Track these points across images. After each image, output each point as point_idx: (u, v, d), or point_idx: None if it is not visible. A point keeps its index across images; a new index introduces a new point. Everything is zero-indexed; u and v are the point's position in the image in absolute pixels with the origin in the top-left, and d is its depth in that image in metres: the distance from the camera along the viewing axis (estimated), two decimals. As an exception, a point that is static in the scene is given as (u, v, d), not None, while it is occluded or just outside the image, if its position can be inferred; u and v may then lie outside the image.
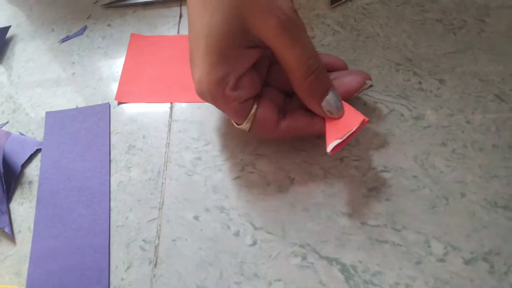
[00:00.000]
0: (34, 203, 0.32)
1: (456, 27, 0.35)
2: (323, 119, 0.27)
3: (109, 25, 0.43)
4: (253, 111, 0.27)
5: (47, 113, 0.37)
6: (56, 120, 0.37)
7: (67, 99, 0.38)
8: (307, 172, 0.30)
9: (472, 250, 0.25)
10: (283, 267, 0.27)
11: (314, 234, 0.28)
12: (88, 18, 0.44)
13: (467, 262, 0.25)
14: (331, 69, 0.30)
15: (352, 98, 0.30)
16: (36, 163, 0.35)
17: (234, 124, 0.29)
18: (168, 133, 0.34)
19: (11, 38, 0.44)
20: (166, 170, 0.32)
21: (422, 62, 0.33)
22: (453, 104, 0.31)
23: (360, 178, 0.29)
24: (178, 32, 0.40)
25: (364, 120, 0.26)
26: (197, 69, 0.26)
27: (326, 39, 0.36)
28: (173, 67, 0.38)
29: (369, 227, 0.27)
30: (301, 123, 0.28)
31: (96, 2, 0.45)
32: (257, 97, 0.27)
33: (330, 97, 0.26)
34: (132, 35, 0.41)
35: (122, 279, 0.28)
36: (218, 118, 0.34)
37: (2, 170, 0.34)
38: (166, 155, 0.33)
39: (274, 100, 0.28)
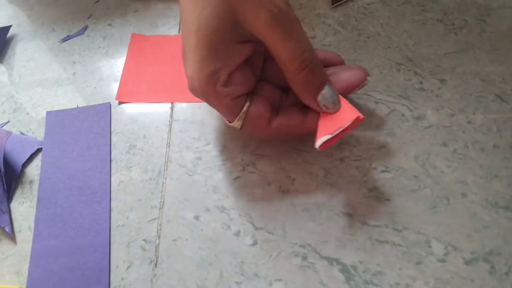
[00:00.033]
0: (34, 203, 0.32)
1: (457, 27, 0.35)
2: (317, 118, 0.27)
3: (110, 24, 0.43)
4: (245, 108, 0.26)
5: (48, 112, 0.37)
6: (56, 119, 0.37)
7: (67, 99, 0.38)
8: (308, 172, 0.30)
9: (473, 250, 0.25)
10: (283, 267, 0.27)
11: (315, 234, 0.28)
12: (89, 17, 0.44)
13: (467, 263, 0.25)
14: (327, 64, 0.29)
15: (353, 100, 0.30)
16: (36, 162, 0.35)
17: (226, 122, 0.28)
18: (169, 133, 0.34)
19: (12, 38, 0.44)
20: (166, 170, 0.32)
21: (423, 62, 0.33)
22: (454, 104, 0.31)
23: (361, 178, 0.29)
24: (179, 32, 0.40)
25: (358, 117, 0.25)
26: (189, 65, 0.25)
27: (327, 39, 0.36)
28: (174, 66, 0.38)
29: (369, 227, 0.27)
30: (294, 121, 0.27)
31: (97, 1, 0.45)
32: (250, 94, 0.27)
33: (326, 91, 0.25)
34: (133, 35, 0.41)
35: (122, 279, 0.28)
36: (219, 118, 0.34)
37: (2, 170, 0.34)
38: (166, 155, 0.33)
39: (268, 97, 0.27)
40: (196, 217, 0.29)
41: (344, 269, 0.26)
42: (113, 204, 0.31)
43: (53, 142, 0.35)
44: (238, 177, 0.31)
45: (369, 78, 0.28)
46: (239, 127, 0.27)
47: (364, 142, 0.30)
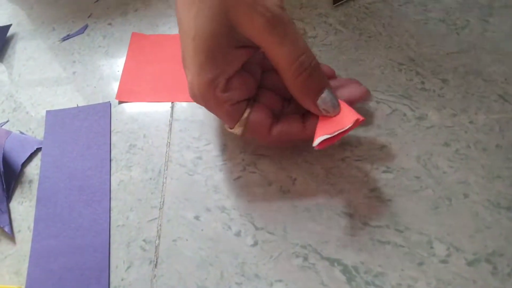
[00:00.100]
0: (34, 202, 0.32)
1: (459, 27, 0.35)
2: (316, 124, 0.26)
3: (110, 24, 0.43)
4: (245, 114, 0.26)
5: (48, 112, 0.37)
6: (56, 119, 0.36)
7: (67, 98, 0.38)
8: (309, 173, 0.30)
9: (475, 251, 0.25)
10: (284, 267, 0.27)
11: (316, 234, 0.27)
12: (89, 17, 0.44)
13: (470, 263, 0.25)
14: None
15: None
16: (36, 162, 0.35)
17: (227, 128, 0.28)
18: (169, 133, 0.34)
19: (11, 37, 0.44)
20: (166, 170, 0.32)
21: (425, 61, 0.33)
22: (456, 104, 0.31)
23: (362, 178, 0.29)
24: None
25: (358, 119, 0.25)
26: (188, 71, 0.25)
27: (328, 39, 0.36)
28: (174, 66, 0.38)
29: (371, 227, 0.27)
30: (294, 127, 0.27)
31: (97, 1, 0.45)
32: (250, 101, 0.27)
33: (325, 94, 0.25)
34: (133, 34, 0.41)
35: (122, 279, 0.28)
36: (220, 119, 0.34)
37: (2, 169, 0.33)
38: (167, 154, 0.33)
39: (269, 105, 0.27)
40: (197, 217, 0.29)
41: (345, 270, 0.26)
42: (113, 203, 0.31)
43: (52, 142, 0.35)
44: (239, 177, 0.30)
45: (369, 78, 0.28)
46: (239, 133, 0.27)
47: (365, 142, 0.30)
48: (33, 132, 0.36)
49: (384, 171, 0.29)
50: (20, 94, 0.39)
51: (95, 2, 0.45)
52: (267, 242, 0.28)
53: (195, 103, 0.35)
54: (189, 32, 0.24)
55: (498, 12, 0.35)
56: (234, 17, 0.23)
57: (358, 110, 0.26)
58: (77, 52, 0.41)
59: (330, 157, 0.30)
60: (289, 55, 0.24)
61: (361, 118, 0.25)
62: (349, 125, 0.24)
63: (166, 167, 0.32)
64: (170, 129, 0.34)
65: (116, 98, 0.36)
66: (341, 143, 0.30)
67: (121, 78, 0.38)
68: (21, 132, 0.37)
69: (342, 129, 0.25)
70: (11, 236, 0.31)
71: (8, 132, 0.36)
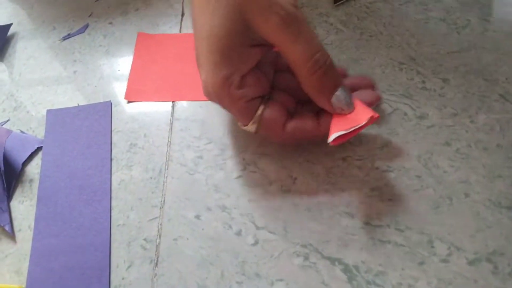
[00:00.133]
0: (34, 201, 0.32)
1: (459, 26, 0.35)
2: (331, 121, 0.27)
3: (110, 23, 0.43)
4: (259, 111, 0.26)
5: (48, 111, 0.37)
6: (57, 118, 0.36)
7: (68, 97, 0.38)
8: (310, 172, 0.30)
9: (476, 250, 0.25)
10: (285, 267, 0.27)
11: (317, 234, 0.27)
12: (89, 16, 0.44)
13: (470, 263, 0.25)
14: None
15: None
16: (37, 161, 0.34)
17: (241, 126, 0.28)
18: (170, 132, 0.34)
19: (12, 36, 0.44)
20: (167, 169, 0.32)
21: (426, 61, 0.33)
22: (456, 104, 0.31)
23: (363, 177, 0.29)
24: (180, 31, 0.40)
25: (373, 116, 0.25)
26: (203, 70, 0.26)
27: (329, 38, 0.36)
28: (181, 65, 0.38)
29: (372, 227, 0.27)
30: (308, 124, 0.27)
31: (97, 0, 0.45)
32: (265, 99, 0.27)
33: (340, 92, 0.25)
34: (139, 34, 0.40)
35: (122, 278, 0.28)
36: (220, 117, 0.34)
37: (2, 168, 0.33)
38: (167, 153, 0.33)
39: (283, 103, 0.28)
40: (197, 216, 0.29)
41: (346, 269, 0.26)
42: (113, 203, 0.31)
43: (53, 141, 0.35)
44: (239, 176, 0.30)
45: (370, 77, 0.28)
46: (253, 130, 0.27)
47: (366, 142, 0.30)
48: (33, 131, 0.36)
49: (385, 171, 0.29)
50: (20, 93, 0.39)
51: (95, 1, 0.45)
52: (268, 241, 0.28)
53: (196, 103, 0.35)
54: (204, 31, 0.25)
55: (498, 11, 0.35)
56: (249, 16, 0.24)
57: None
58: (78, 51, 0.41)
59: (331, 156, 0.30)
60: (304, 53, 0.24)
61: (376, 115, 0.25)
62: (364, 122, 0.25)
63: (166, 166, 0.32)
64: (171, 129, 0.34)
65: (125, 98, 0.36)
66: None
67: (129, 77, 0.38)
68: (21, 131, 0.37)
69: (357, 125, 0.25)
70: (11, 235, 0.31)
71: (9, 131, 0.36)
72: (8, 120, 0.38)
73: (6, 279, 0.29)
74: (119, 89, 0.37)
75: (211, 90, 0.26)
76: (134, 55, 0.39)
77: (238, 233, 0.28)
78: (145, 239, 0.29)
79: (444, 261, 0.25)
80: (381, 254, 0.26)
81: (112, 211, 0.31)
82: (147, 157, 0.33)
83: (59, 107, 0.37)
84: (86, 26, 0.43)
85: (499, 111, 0.30)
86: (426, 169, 0.28)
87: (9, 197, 0.33)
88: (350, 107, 0.26)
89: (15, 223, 0.32)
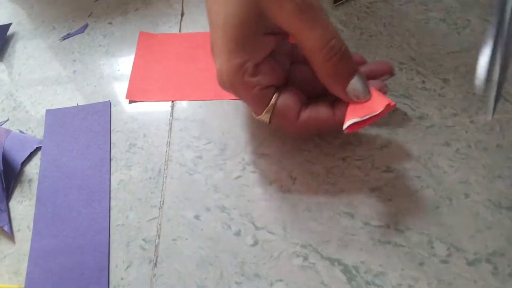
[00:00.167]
0: (33, 202, 0.32)
1: (460, 26, 0.35)
2: (345, 111, 0.26)
3: (110, 23, 0.42)
4: (273, 101, 0.26)
5: (47, 111, 0.37)
6: (56, 118, 0.36)
7: (67, 97, 0.38)
8: (310, 172, 0.30)
9: (476, 251, 0.25)
10: (284, 267, 0.27)
11: (316, 234, 0.27)
12: (89, 16, 0.44)
13: (470, 263, 0.25)
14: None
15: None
16: (36, 161, 0.34)
17: (255, 117, 0.28)
18: (169, 132, 0.34)
19: (12, 36, 0.44)
20: (166, 169, 0.32)
21: (426, 61, 0.33)
22: (456, 104, 0.31)
23: (363, 178, 0.29)
24: (179, 30, 0.40)
25: (389, 104, 0.24)
26: (217, 58, 0.26)
27: (328, 38, 0.36)
28: (183, 64, 0.38)
29: (371, 227, 0.27)
30: (322, 113, 0.27)
31: (97, 0, 0.45)
32: (279, 88, 0.27)
33: (355, 80, 0.25)
34: (141, 33, 0.40)
35: (121, 279, 0.28)
36: (220, 117, 0.34)
37: (1, 168, 0.33)
38: (167, 153, 0.33)
39: (297, 94, 0.27)
40: (196, 217, 0.29)
41: (346, 270, 0.26)
42: (112, 203, 0.31)
43: (52, 141, 0.35)
44: (239, 177, 0.30)
45: (390, 63, 0.28)
46: (267, 119, 0.27)
47: (366, 142, 0.30)
48: (32, 131, 0.36)
49: (384, 171, 0.29)
50: (20, 93, 0.39)
51: (95, 1, 0.45)
52: (267, 242, 0.28)
53: (195, 103, 0.35)
54: (218, 19, 0.25)
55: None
56: (264, 4, 0.24)
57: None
58: (77, 51, 0.41)
59: (330, 156, 0.30)
60: (319, 40, 0.24)
61: (392, 103, 0.24)
62: (381, 109, 0.24)
63: (166, 167, 0.32)
64: (170, 128, 0.34)
65: (126, 98, 0.36)
66: (341, 142, 0.30)
67: (130, 77, 0.38)
68: (21, 131, 0.36)
69: (373, 113, 0.24)
70: (10, 235, 0.31)
71: (8, 131, 0.36)
72: (7, 120, 0.38)
73: (5, 279, 0.29)
74: (119, 89, 0.37)
75: (225, 78, 0.26)
76: (136, 54, 0.39)
77: (238, 234, 0.28)
78: (144, 239, 0.29)
79: (444, 261, 0.25)
80: (380, 254, 0.26)
81: (111, 211, 0.31)
82: (147, 157, 0.33)
83: (59, 107, 0.37)
84: (86, 26, 0.43)
85: (499, 111, 0.30)
86: (425, 169, 0.28)
87: (8, 197, 0.33)
88: (367, 95, 0.25)
89: (14, 223, 0.32)
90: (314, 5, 0.24)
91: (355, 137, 0.30)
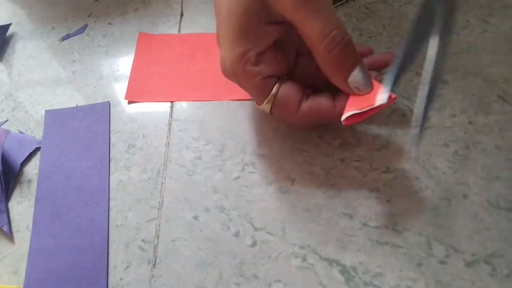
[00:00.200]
0: (32, 202, 0.32)
1: (459, 27, 0.35)
2: (346, 102, 0.26)
3: (110, 23, 0.42)
4: (274, 91, 0.26)
5: (47, 111, 0.37)
6: (55, 118, 0.36)
7: (67, 98, 0.38)
8: (308, 173, 0.30)
9: (474, 252, 0.25)
10: (283, 268, 0.27)
11: (315, 235, 0.27)
12: (88, 16, 0.44)
13: (468, 265, 0.25)
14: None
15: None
16: (35, 161, 0.34)
17: (256, 106, 0.28)
18: (168, 133, 0.34)
19: (11, 36, 0.44)
20: (166, 170, 0.32)
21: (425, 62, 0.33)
22: (455, 105, 0.31)
23: (361, 179, 0.29)
24: (179, 31, 0.40)
25: (390, 96, 0.24)
26: (221, 46, 0.26)
27: (327, 39, 0.36)
28: (182, 65, 0.38)
29: (370, 228, 0.27)
30: (323, 104, 0.27)
31: (96, 0, 0.45)
32: (281, 78, 0.27)
33: (357, 71, 0.25)
34: (140, 34, 0.40)
35: (120, 279, 0.28)
36: (219, 118, 0.34)
37: (1, 169, 0.33)
38: (166, 154, 0.33)
39: (299, 84, 0.27)
40: (195, 217, 0.29)
41: (344, 270, 0.26)
42: (111, 203, 0.31)
43: (51, 141, 0.35)
44: (238, 177, 0.30)
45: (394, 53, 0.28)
46: (268, 109, 0.27)
47: (365, 143, 0.30)
48: (32, 132, 0.36)
49: (383, 172, 0.29)
50: (19, 93, 0.39)
51: (95, 2, 0.45)
52: (266, 243, 0.28)
53: (194, 103, 0.35)
54: (223, 8, 0.25)
55: (498, 12, 0.35)
56: None
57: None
58: (77, 51, 0.41)
59: (329, 157, 0.30)
60: (321, 30, 0.24)
61: (393, 96, 0.24)
62: (380, 102, 0.24)
63: (165, 167, 0.32)
64: (169, 129, 0.34)
65: (125, 98, 0.36)
66: (340, 143, 0.30)
67: (129, 77, 0.38)
68: (20, 132, 0.36)
69: (372, 105, 0.24)
70: (9, 235, 0.31)
71: (7, 132, 0.36)
72: (6, 121, 0.38)
73: (4, 279, 0.29)
74: (118, 89, 0.37)
75: (228, 67, 0.26)
76: (135, 54, 0.39)
77: (236, 234, 0.28)
78: (143, 240, 0.29)
79: (442, 262, 0.25)
80: (379, 255, 0.26)
81: (110, 211, 0.31)
82: (146, 157, 0.33)
83: (58, 108, 0.37)
84: (85, 26, 0.43)
85: (498, 112, 0.30)
86: (424, 170, 0.28)
87: (7, 197, 0.33)
88: (368, 87, 0.25)
89: (13, 224, 0.32)
90: None
91: (354, 137, 0.30)
